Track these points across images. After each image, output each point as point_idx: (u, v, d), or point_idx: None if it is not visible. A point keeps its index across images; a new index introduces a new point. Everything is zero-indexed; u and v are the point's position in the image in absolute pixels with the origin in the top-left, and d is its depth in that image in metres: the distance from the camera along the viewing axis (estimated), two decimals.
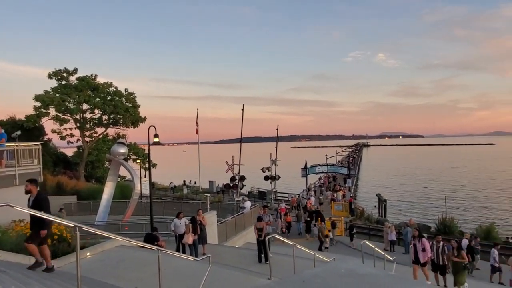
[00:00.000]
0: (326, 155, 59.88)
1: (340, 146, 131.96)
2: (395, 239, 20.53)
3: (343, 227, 23.76)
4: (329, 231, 20.80)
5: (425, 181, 61.83)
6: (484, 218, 32.74)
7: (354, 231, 21.78)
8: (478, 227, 25.43)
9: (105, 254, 9.34)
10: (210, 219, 14.98)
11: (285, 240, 9.89)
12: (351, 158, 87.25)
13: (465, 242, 15.99)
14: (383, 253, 13.07)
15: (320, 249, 18.99)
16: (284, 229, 22.07)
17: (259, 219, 12.51)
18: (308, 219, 24.06)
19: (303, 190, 38.46)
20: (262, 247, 11.34)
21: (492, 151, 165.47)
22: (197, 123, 40.65)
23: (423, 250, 10.48)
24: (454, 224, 25.13)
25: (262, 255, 11.42)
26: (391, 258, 13.40)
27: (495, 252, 14.63)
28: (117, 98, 36.46)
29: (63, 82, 36.25)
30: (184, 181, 48.47)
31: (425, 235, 20.69)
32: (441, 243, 11.27)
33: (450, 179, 62.95)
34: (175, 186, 46.42)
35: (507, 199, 42.74)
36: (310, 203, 29.71)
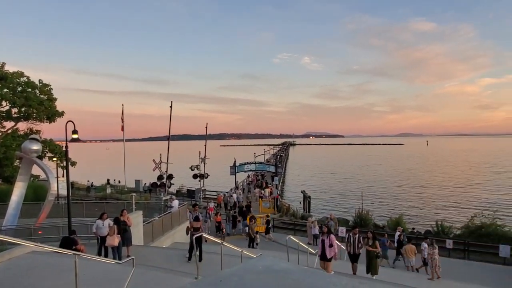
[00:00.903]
0: (254, 153, 60.74)
1: (268, 145, 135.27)
2: (318, 233, 21.55)
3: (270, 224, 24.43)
4: (267, 228, 21.27)
5: (345, 178, 66.27)
6: (394, 211, 35.97)
7: (270, 225, 22.54)
8: (389, 219, 28.00)
9: (14, 262, 8.45)
10: (136, 219, 14.37)
11: (212, 238, 9.87)
12: (278, 157, 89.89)
13: (397, 235, 16.92)
14: (307, 247, 13.64)
15: (251, 246, 19.26)
16: (223, 230, 21.55)
17: (197, 218, 12.33)
18: (235, 214, 24.13)
19: (231, 189, 38.67)
20: (195, 245, 11.08)
21: (401, 150, 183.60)
22: (122, 119, 38.63)
23: (331, 246, 10.52)
24: (369, 217, 27.32)
25: (194, 254, 11.18)
26: (313, 252, 13.99)
27: (424, 245, 14.90)
28: (30, 89, 32.92)
29: None
30: (108, 180, 45.88)
31: (343, 228, 22.35)
32: (357, 234, 11.95)
33: (366, 176, 68.33)
34: (92, 184, 43.59)
35: (413, 194, 47.49)
36: (220, 198, 30.45)
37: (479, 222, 22.89)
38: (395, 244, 16.75)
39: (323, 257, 10.56)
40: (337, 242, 10.84)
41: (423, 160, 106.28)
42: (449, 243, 19.41)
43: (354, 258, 11.89)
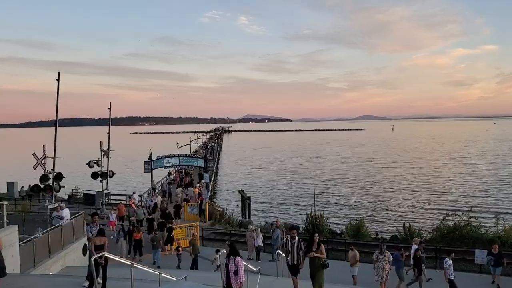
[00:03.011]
0: (177, 143, 60.50)
1: (195, 132, 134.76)
2: (261, 244, 21.98)
3: (198, 235, 24.33)
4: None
5: (293, 173, 68.52)
6: (353, 214, 37.83)
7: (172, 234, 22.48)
8: (348, 224, 29.43)
9: None
10: (7, 238, 13.48)
11: (120, 260, 9.57)
12: (209, 147, 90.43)
13: (414, 248, 16.98)
14: (246, 263, 13.68)
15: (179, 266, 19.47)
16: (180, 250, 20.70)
17: (101, 232, 12.22)
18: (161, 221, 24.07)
19: (148, 192, 37.93)
20: (97, 270, 10.54)
21: (361, 137, 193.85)
22: None
23: (235, 273, 9.54)
24: (324, 222, 28.45)
25: (95, 282, 10.68)
26: (255, 269, 14.00)
27: (448, 262, 15.15)
28: None
29: None
30: None
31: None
32: (297, 238, 11.79)
33: (319, 170, 71.30)
34: None
35: (376, 192, 50.46)
36: (133, 203, 30.19)
37: (451, 224, 24.85)
38: (411, 261, 16.56)
39: (228, 287, 9.63)
40: (244, 267, 10.10)
41: (387, 150, 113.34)
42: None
43: (294, 269, 11.77)
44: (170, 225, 23.17)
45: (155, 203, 31.28)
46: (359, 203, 43.89)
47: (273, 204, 44.83)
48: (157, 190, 40.89)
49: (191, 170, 51.13)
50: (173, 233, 22.67)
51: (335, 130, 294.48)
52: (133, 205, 29.52)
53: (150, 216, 26.94)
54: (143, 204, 31.59)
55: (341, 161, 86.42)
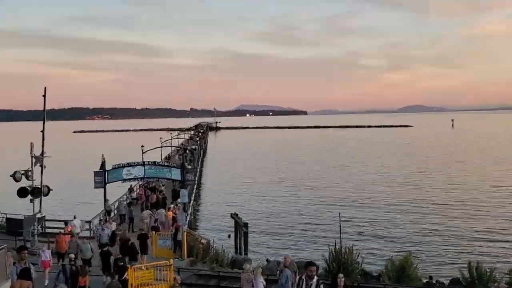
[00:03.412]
0: (142, 146, 61.17)
1: (168, 130, 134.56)
2: None
3: (171, 277, 24.02)
4: None
5: (308, 189, 67.94)
6: (395, 247, 37.60)
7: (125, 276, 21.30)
8: (388, 262, 29.17)
9: None
10: None
11: None
12: (188, 151, 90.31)
13: None
14: None
15: None
16: None
17: (25, 274, 12.85)
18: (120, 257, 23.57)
19: (100, 219, 37.52)
20: None
21: (407, 136, 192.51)
22: None
23: None
24: (353, 259, 27.98)
25: None
26: None
27: None
28: None
29: None
30: None
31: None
32: (315, 278, 12.04)
33: (346, 185, 70.76)
34: None
35: (428, 217, 49.74)
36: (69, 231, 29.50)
37: None
38: None
39: None
40: None
41: (445, 155, 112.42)
42: None
43: None
44: (122, 263, 21.95)
45: (113, 232, 30.89)
46: (404, 232, 43.47)
47: (279, 233, 44.42)
48: (112, 214, 40.74)
49: (162, 185, 50.60)
50: (125, 275, 21.20)
51: (369, 126, 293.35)
52: (74, 238, 29.06)
53: (106, 249, 26.38)
54: (92, 234, 31.24)
55: (378, 171, 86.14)
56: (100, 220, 38.00)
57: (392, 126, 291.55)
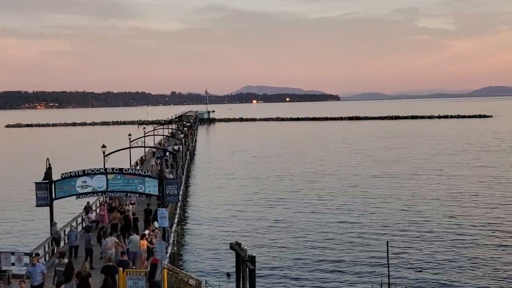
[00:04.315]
0: (103, 146, 58.15)
1: (140, 123, 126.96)
2: None
3: None
4: None
5: (338, 207, 58.72)
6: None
7: None
8: None
9: None
10: None
11: None
12: (169, 154, 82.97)
13: None
14: None
15: None
16: None
17: None
18: None
19: (28, 251, 31.63)
20: None
21: (485, 130, 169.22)
22: None
23: None
24: None
25: None
26: None
27: None
28: None
29: None
30: None
31: None
32: None
33: (393, 200, 60.69)
34: None
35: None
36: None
37: None
38: None
39: None
40: None
41: None
42: None
43: None
44: None
45: (69, 265, 26.55)
46: (467, 264, 36.91)
47: (298, 270, 37.69)
48: (62, 243, 36.09)
49: (133, 201, 44.28)
50: None
51: (430, 117, 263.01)
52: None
53: None
54: (30, 271, 26.30)
55: (442, 182, 73.34)
56: (46, 252, 32.94)
57: (461, 116, 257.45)
